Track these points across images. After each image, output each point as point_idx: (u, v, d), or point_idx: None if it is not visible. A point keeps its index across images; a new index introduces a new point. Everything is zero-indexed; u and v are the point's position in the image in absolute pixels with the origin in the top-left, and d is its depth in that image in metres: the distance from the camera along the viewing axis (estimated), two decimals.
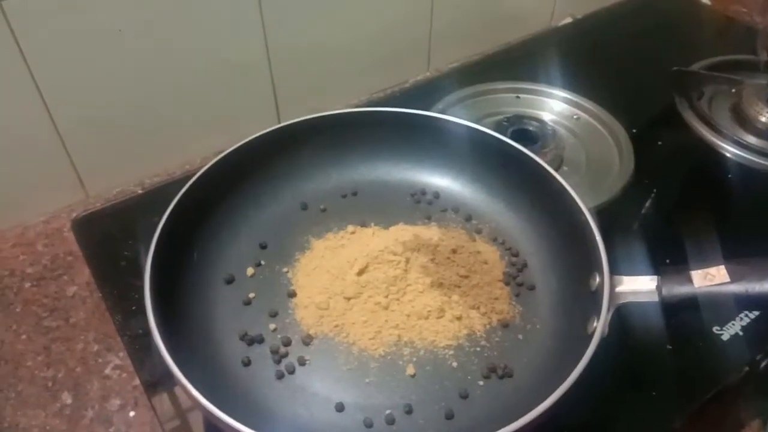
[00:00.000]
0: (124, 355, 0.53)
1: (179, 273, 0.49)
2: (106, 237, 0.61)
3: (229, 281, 0.52)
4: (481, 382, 0.46)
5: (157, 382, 0.51)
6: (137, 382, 0.51)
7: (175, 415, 0.50)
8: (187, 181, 0.51)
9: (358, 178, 0.59)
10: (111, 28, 0.57)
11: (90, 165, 0.64)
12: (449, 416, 0.44)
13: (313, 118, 0.56)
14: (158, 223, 0.48)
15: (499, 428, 0.35)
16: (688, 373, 0.51)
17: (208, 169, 0.52)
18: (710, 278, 0.42)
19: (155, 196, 0.64)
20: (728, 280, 0.42)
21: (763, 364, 0.55)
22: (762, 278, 0.41)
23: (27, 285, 0.58)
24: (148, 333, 0.51)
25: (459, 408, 0.44)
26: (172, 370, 0.39)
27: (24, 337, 0.54)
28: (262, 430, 0.35)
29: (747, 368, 0.53)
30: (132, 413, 0.50)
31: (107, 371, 0.52)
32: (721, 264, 0.42)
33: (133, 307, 0.55)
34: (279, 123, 0.57)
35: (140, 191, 0.67)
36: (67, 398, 0.51)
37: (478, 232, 0.56)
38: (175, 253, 0.48)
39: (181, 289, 0.48)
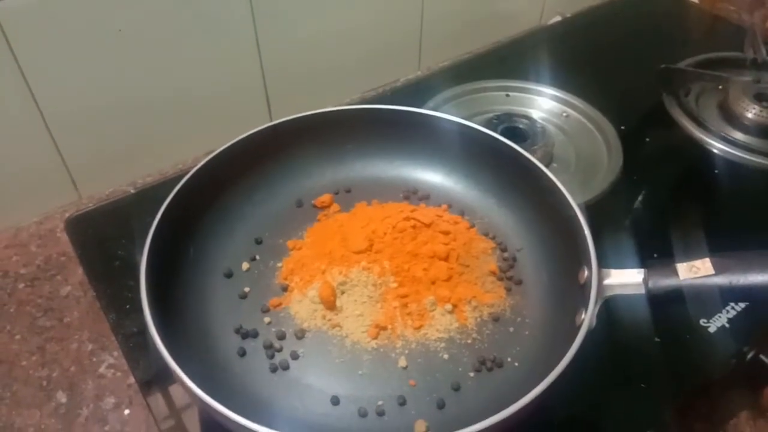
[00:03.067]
0: (119, 354, 0.53)
1: (175, 268, 0.49)
2: (99, 237, 0.61)
3: (225, 276, 0.53)
4: (471, 374, 0.46)
5: (151, 380, 0.51)
6: (132, 380, 0.52)
7: (170, 412, 0.50)
8: (180, 181, 0.51)
9: (352, 175, 0.60)
10: (105, 31, 0.57)
11: (83, 166, 0.64)
12: (441, 406, 0.44)
13: (306, 116, 0.56)
14: (152, 222, 0.48)
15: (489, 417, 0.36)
16: (676, 366, 0.52)
17: (203, 166, 0.52)
18: (695, 270, 0.42)
19: (148, 196, 0.64)
20: (713, 272, 0.42)
21: (750, 355, 0.56)
22: (746, 270, 0.42)
23: (21, 286, 0.58)
24: (142, 331, 0.52)
25: (450, 399, 0.45)
26: (169, 363, 0.39)
27: (18, 337, 0.55)
28: (258, 421, 0.36)
29: (734, 360, 0.54)
30: (127, 411, 0.50)
31: (102, 370, 0.53)
32: (707, 257, 0.43)
33: (127, 306, 0.55)
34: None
35: (133, 191, 0.67)
36: (62, 397, 0.51)
37: (471, 227, 0.56)
38: (170, 247, 0.48)
39: (177, 284, 0.49)
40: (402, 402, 0.45)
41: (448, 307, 0.49)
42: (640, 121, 0.74)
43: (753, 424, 0.57)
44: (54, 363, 0.53)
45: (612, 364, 0.51)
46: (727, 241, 0.47)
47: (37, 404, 0.50)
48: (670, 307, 0.48)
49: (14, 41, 0.54)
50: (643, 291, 0.43)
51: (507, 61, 0.84)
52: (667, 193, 0.67)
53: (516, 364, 0.47)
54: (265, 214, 0.57)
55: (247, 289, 0.52)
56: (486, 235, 0.55)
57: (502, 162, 0.56)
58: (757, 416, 0.58)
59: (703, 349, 0.53)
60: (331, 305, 0.49)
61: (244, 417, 0.36)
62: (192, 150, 0.69)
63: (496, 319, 0.50)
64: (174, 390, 0.51)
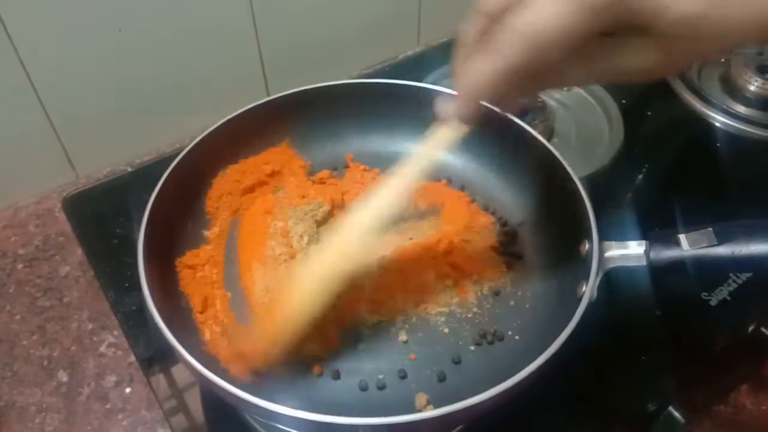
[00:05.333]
0: (119, 333, 0.53)
1: (173, 244, 0.49)
2: (97, 216, 0.61)
3: None
4: (472, 347, 0.46)
5: (152, 357, 0.51)
6: (132, 359, 0.52)
7: (170, 388, 0.50)
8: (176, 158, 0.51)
9: (351, 150, 0.59)
10: (100, 12, 0.56)
11: (80, 146, 0.64)
12: (441, 379, 0.44)
13: (302, 91, 0.56)
14: (149, 199, 0.47)
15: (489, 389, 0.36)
16: (677, 339, 0.52)
17: (199, 141, 0.51)
18: (698, 241, 0.42)
19: (145, 174, 0.64)
20: (716, 242, 0.42)
21: (751, 328, 0.56)
22: (749, 240, 0.41)
23: (20, 266, 0.58)
24: (141, 309, 0.52)
25: (451, 372, 0.45)
26: (168, 339, 0.39)
27: (18, 317, 0.55)
28: (258, 395, 0.36)
29: (735, 333, 0.54)
30: (128, 389, 0.50)
31: (102, 349, 0.53)
32: (709, 227, 0.43)
33: (126, 284, 0.55)
34: None
35: (130, 170, 0.66)
36: (63, 376, 0.51)
37: (471, 201, 0.56)
38: (168, 224, 0.48)
39: (175, 261, 0.48)
40: (403, 375, 0.45)
41: (449, 281, 0.49)
42: (642, 95, 0.73)
43: (754, 397, 0.57)
44: (54, 342, 0.53)
45: (613, 337, 0.51)
46: (729, 214, 0.46)
47: (38, 383, 0.50)
48: (672, 280, 0.48)
49: (8, 19, 0.53)
50: (644, 263, 0.43)
51: None
52: (668, 167, 0.67)
53: (517, 337, 0.47)
54: None
55: None
56: (486, 209, 0.55)
57: (503, 136, 0.55)
58: (757, 389, 0.59)
59: (704, 323, 0.53)
60: None
61: (243, 391, 0.36)
62: (191, 128, 0.68)
63: (496, 293, 0.49)
64: (175, 367, 0.51)
